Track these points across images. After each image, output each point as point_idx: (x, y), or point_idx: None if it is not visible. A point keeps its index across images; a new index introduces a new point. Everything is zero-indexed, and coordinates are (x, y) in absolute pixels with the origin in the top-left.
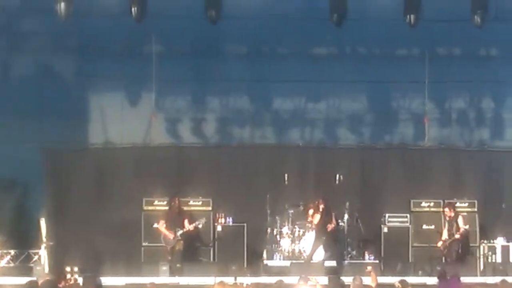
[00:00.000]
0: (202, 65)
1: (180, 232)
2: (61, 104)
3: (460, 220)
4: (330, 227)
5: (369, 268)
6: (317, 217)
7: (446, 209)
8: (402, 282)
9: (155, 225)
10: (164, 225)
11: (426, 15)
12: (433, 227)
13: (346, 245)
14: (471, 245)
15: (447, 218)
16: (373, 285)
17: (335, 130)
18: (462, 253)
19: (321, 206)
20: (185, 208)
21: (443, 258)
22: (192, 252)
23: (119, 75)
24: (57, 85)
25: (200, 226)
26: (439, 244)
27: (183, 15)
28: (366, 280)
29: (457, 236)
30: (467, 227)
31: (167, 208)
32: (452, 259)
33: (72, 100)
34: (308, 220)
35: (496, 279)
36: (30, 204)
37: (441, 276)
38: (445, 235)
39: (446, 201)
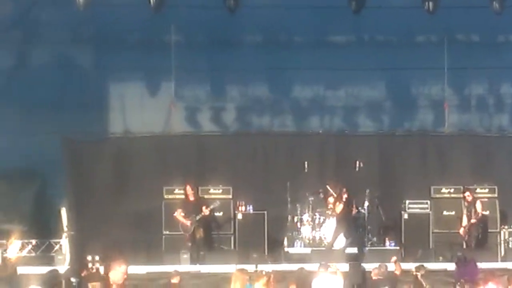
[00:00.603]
0: (220, 54)
1: (197, 217)
2: (81, 94)
3: (478, 205)
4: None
5: (394, 258)
6: (340, 207)
7: (467, 193)
8: (419, 267)
9: (174, 214)
10: (182, 214)
11: (444, 2)
12: (453, 213)
13: (367, 232)
14: (491, 230)
15: (466, 204)
16: (398, 272)
17: (354, 117)
18: (482, 239)
19: (345, 196)
20: (206, 196)
21: (464, 244)
22: (213, 240)
23: (138, 65)
24: (77, 76)
25: (215, 212)
26: (461, 230)
27: (201, 5)
28: (390, 267)
29: (473, 220)
30: (486, 212)
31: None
32: (472, 245)
33: (92, 90)
34: (329, 208)
35: None
36: (51, 194)
37: (459, 261)
38: (465, 221)
39: (465, 186)
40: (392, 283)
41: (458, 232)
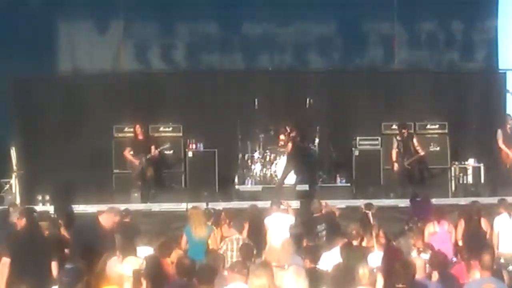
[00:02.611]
0: None
1: (147, 157)
2: (29, 33)
3: (415, 140)
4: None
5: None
6: (290, 146)
7: (404, 130)
8: (368, 205)
9: (123, 153)
10: (132, 152)
11: None
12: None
13: (318, 169)
14: (442, 167)
15: (399, 138)
16: (337, 213)
17: (304, 54)
18: (427, 174)
19: (292, 134)
20: (156, 135)
21: (405, 178)
22: (163, 179)
23: (86, 2)
24: (24, 14)
25: (165, 151)
26: (396, 166)
27: None
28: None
29: (422, 153)
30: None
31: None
32: (416, 179)
33: (40, 29)
34: (280, 145)
35: (468, 200)
36: (0, 134)
37: (413, 198)
38: (395, 156)
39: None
40: (330, 221)
41: (393, 169)
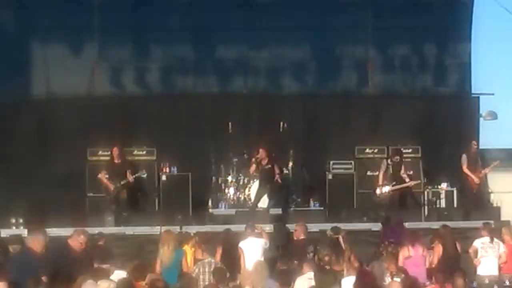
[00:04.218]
0: (144, 13)
1: (121, 182)
2: (2, 56)
3: (403, 168)
4: (277, 177)
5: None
6: (253, 167)
7: (397, 156)
8: (335, 229)
9: (98, 176)
10: (107, 175)
11: None
12: (377, 173)
13: (291, 193)
14: (416, 190)
15: (390, 163)
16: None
17: (278, 78)
18: (411, 202)
19: (257, 156)
20: (130, 158)
21: (387, 203)
22: (137, 202)
23: (60, 25)
24: None
25: (142, 176)
26: (383, 190)
27: None
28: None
29: (413, 183)
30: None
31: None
32: (397, 205)
33: (13, 51)
34: (251, 168)
35: (441, 224)
36: None
37: (385, 223)
38: (381, 179)
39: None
40: (315, 244)
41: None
